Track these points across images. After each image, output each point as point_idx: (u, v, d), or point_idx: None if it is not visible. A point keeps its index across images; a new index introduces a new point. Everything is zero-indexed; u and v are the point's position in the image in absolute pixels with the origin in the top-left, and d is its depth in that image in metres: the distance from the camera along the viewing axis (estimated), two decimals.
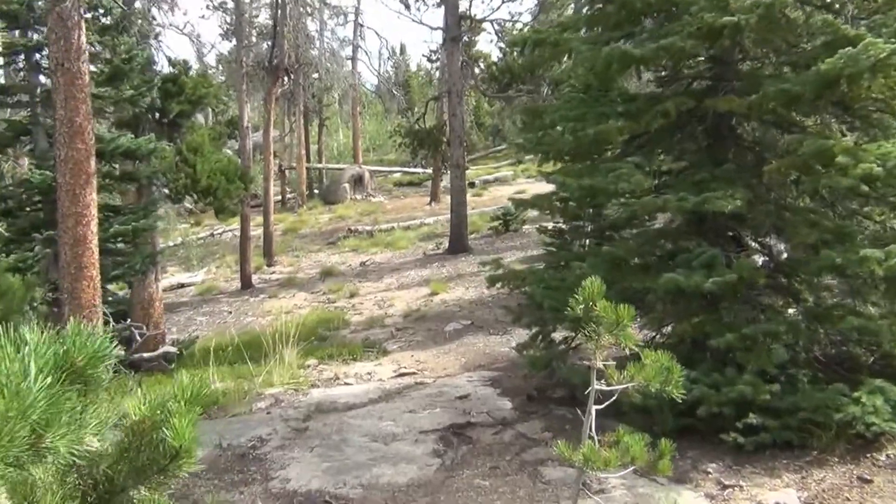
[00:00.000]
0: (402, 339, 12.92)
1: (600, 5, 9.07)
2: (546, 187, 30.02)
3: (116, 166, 12.42)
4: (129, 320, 12.15)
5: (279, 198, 34.68)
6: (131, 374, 10.46)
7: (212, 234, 28.46)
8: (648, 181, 8.05)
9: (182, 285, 21.25)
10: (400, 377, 10.54)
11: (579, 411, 4.38)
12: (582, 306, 3.87)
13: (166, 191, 17.16)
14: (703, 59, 8.72)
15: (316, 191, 35.87)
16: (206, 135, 17.17)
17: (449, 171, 20.87)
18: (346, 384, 10.40)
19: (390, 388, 9.95)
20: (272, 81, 21.83)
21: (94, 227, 9.20)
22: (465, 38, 21.32)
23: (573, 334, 8.54)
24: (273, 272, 21.83)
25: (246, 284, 19.78)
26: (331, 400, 9.44)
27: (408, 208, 30.33)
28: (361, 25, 36.88)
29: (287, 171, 34.55)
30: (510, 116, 30.01)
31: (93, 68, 11.53)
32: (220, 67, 36.60)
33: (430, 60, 38.11)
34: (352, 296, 17.41)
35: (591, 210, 9.90)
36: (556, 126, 8.71)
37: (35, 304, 9.17)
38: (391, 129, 32.80)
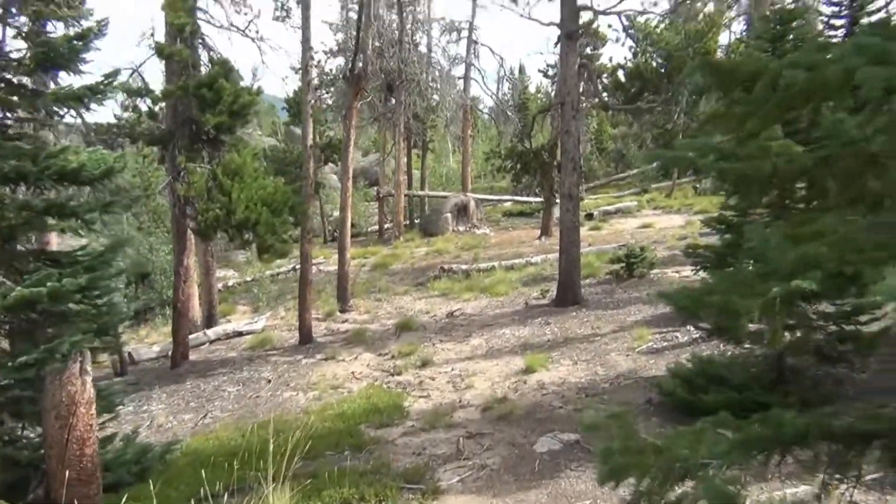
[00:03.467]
0: (469, 461, 8.21)
1: None
2: (677, 220, 23.97)
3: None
4: None
5: (377, 228, 30.80)
6: None
7: (294, 269, 24.68)
8: None
9: (240, 334, 17.35)
10: None
11: None
12: None
13: (192, 224, 13.24)
14: None
15: (417, 220, 31.74)
16: (248, 155, 13.13)
17: (559, 203, 16.01)
18: None
19: None
20: (353, 93, 17.75)
21: None
22: (586, 41, 16.45)
23: None
24: (345, 320, 17.61)
25: (305, 338, 15.62)
26: None
27: (514, 242, 25.62)
28: (475, 42, 32.56)
29: (387, 199, 30.57)
30: (640, 133, 24.79)
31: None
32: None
33: (546, 76, 33.21)
34: (423, 365, 12.86)
35: None
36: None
37: None
38: (489, 149, 28.09)
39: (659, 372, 10.82)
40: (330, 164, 38.00)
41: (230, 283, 23.74)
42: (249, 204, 12.60)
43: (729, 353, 10.40)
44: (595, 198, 33.47)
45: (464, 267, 20.89)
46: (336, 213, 34.70)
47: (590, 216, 27.14)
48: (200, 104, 13.09)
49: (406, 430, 9.68)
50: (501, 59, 47.34)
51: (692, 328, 12.91)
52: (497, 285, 18.56)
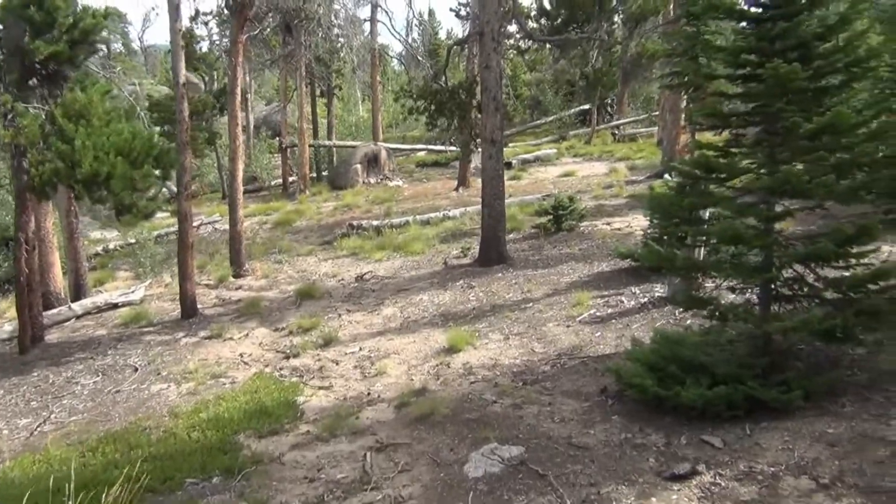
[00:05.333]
0: (379, 492, 5.98)
1: None
2: (599, 168, 21.79)
3: None
4: None
5: (280, 182, 27.92)
6: None
7: None
8: None
9: (115, 306, 14.49)
10: None
11: None
12: None
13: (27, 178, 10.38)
14: None
15: (325, 173, 28.98)
16: (97, 93, 10.31)
17: (480, 149, 13.76)
18: None
19: None
20: (237, 25, 14.89)
21: None
22: None
23: None
24: (239, 287, 15.04)
25: (188, 312, 12.99)
26: None
27: (430, 195, 23.32)
28: None
29: (292, 150, 27.64)
30: (566, 70, 22.48)
31: None
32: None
33: (458, 15, 30.41)
34: (326, 344, 10.53)
35: None
36: None
37: None
38: (400, 88, 25.30)
39: (608, 348, 8.82)
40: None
41: (111, 246, 20.61)
42: (100, 154, 9.82)
43: (693, 325, 8.49)
44: (513, 146, 31.37)
45: (375, 223, 18.47)
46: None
47: (508, 165, 25.03)
48: (32, 29, 10.14)
49: (299, 439, 7.37)
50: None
51: (637, 290, 11.01)
52: (412, 243, 16.28)
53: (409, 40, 35.42)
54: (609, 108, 35.87)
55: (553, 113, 35.65)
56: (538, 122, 36.57)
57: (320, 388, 8.89)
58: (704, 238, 6.88)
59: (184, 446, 7.30)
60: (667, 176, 21.26)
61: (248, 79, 31.81)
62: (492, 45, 13.10)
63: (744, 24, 6.84)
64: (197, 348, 11.22)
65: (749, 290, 6.98)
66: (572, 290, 11.43)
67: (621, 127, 32.57)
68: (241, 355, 10.68)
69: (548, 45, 21.01)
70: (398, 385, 8.58)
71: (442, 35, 46.78)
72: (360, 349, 10.13)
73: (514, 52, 22.32)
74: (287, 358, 10.22)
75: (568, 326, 9.86)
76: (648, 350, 7.17)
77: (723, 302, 6.95)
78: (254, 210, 23.81)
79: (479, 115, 13.87)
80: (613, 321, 9.79)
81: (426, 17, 43.37)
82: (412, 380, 8.69)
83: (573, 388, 7.76)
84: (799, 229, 9.34)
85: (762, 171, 6.30)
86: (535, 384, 8.02)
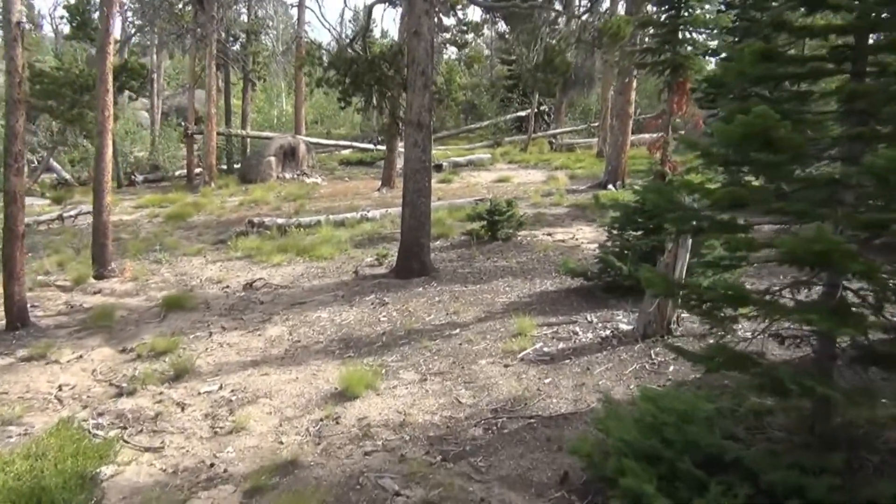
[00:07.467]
0: None
1: None
2: (536, 175, 19.14)
3: None
4: None
5: (184, 172, 24.52)
6: None
7: (60, 218, 18.24)
8: None
9: None
10: None
11: None
12: None
13: None
14: None
15: (238, 166, 25.69)
16: None
17: (404, 134, 10.96)
18: None
19: None
20: None
21: None
22: None
23: None
24: (98, 291, 11.84)
25: (15, 321, 9.74)
26: None
27: (350, 194, 20.36)
28: None
29: (197, 138, 24.30)
30: (514, 51, 19.71)
31: None
32: None
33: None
34: (177, 377, 7.54)
35: None
36: None
37: None
38: (306, 53, 21.97)
39: (565, 404, 6.16)
40: (141, 98, 30.86)
41: None
42: None
43: (676, 372, 5.89)
44: (444, 148, 28.75)
45: (280, 221, 15.46)
46: (140, 154, 27.95)
47: (438, 167, 22.39)
48: None
49: None
50: None
51: (594, 318, 8.42)
52: (320, 246, 13.36)
53: (341, 34, 32.45)
54: (546, 117, 33.67)
55: (488, 118, 33.16)
56: (472, 126, 34.06)
57: (146, 448, 5.94)
58: (735, 251, 4.22)
59: None
60: (610, 187, 19.16)
61: (154, 57, 28.26)
62: (423, 5, 10.36)
63: None
64: (4, 374, 8.05)
65: (802, 342, 4.35)
66: (511, 314, 8.77)
67: (559, 136, 30.38)
68: (59, 387, 7.60)
69: (494, 22, 18.19)
70: (259, 451, 5.70)
71: (377, 33, 43.82)
72: (221, 387, 7.19)
73: (450, 43, 19.58)
74: (118, 396, 7.20)
75: (506, 366, 7.16)
76: (633, 424, 4.51)
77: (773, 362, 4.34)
78: (147, 201, 20.46)
79: (405, 94, 11.07)
80: (567, 361, 7.14)
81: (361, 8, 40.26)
82: (281, 443, 5.82)
83: (517, 470, 5.05)
84: None
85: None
86: (461, 460, 5.28)
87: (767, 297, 3.98)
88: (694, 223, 4.07)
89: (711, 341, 4.96)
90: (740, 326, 5.51)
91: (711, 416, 4.41)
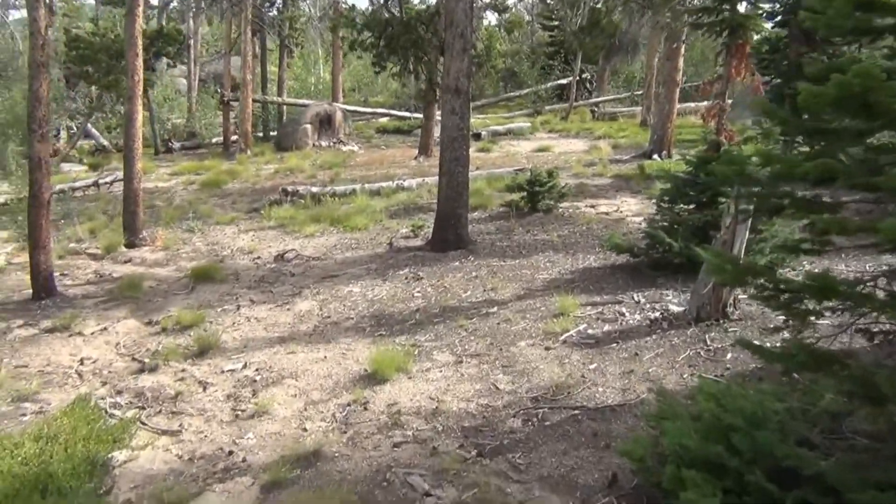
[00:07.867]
0: None
1: None
2: (578, 145, 18.39)
3: None
4: None
5: (220, 139, 24.24)
6: None
7: (96, 184, 18.07)
8: None
9: None
10: None
11: None
12: None
13: None
14: None
15: (274, 133, 25.31)
16: None
17: (441, 100, 10.39)
18: None
19: None
20: None
21: None
22: None
23: None
24: (128, 260, 11.59)
25: (41, 290, 9.51)
26: None
27: (386, 162, 19.87)
28: None
29: (234, 105, 23.96)
30: (555, 16, 18.96)
31: None
32: None
33: None
34: (201, 353, 7.19)
35: None
36: None
37: None
38: (339, 15, 21.23)
39: (612, 394, 5.64)
40: (179, 65, 30.62)
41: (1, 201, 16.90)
42: None
43: (735, 362, 5.32)
44: (483, 117, 28.02)
45: (314, 190, 15.05)
46: (178, 121, 27.74)
47: (477, 136, 21.74)
48: None
49: None
50: None
51: (641, 298, 7.85)
52: (354, 216, 12.94)
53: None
54: (588, 85, 32.62)
55: (528, 86, 32.21)
56: (512, 94, 33.20)
57: (163, 432, 5.59)
58: (823, 234, 3.63)
59: None
60: (656, 157, 18.37)
61: (191, 23, 27.91)
62: None
63: None
64: (26, 346, 7.80)
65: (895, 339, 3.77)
66: (552, 292, 8.24)
67: (601, 104, 29.39)
68: (81, 361, 7.31)
69: None
70: (281, 439, 5.30)
71: None
72: (245, 365, 6.82)
73: (489, 8, 18.82)
74: (139, 372, 6.88)
75: (547, 349, 6.66)
76: (692, 425, 3.98)
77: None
78: (183, 168, 20.24)
79: (442, 58, 10.48)
80: (614, 345, 6.60)
81: None
82: (305, 430, 5.42)
83: (560, 469, 4.56)
84: None
85: None
86: (498, 456, 4.81)
87: (859, 289, 3.40)
88: (773, 201, 3.48)
89: (787, 335, 4.38)
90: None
91: (784, 419, 3.86)
